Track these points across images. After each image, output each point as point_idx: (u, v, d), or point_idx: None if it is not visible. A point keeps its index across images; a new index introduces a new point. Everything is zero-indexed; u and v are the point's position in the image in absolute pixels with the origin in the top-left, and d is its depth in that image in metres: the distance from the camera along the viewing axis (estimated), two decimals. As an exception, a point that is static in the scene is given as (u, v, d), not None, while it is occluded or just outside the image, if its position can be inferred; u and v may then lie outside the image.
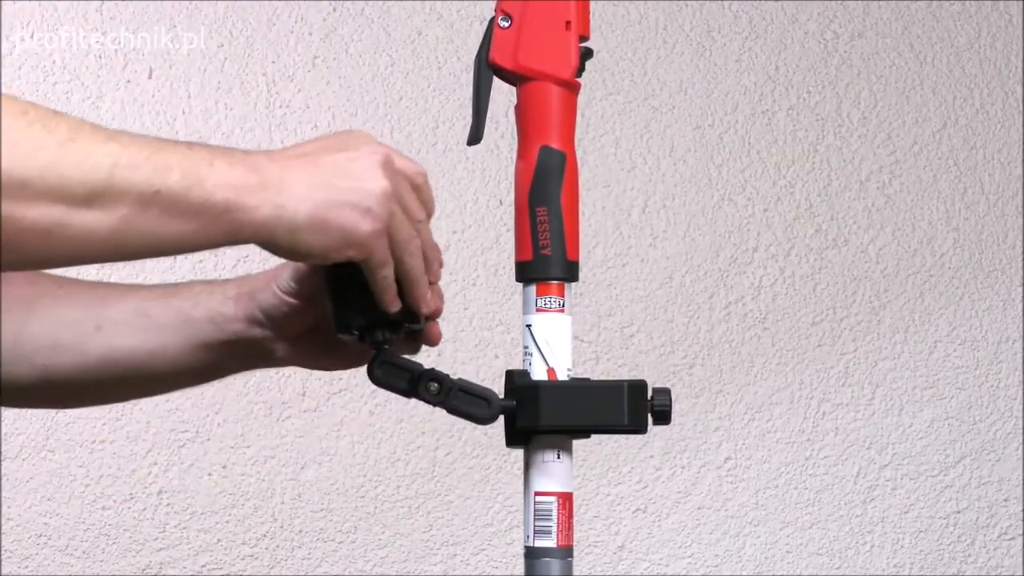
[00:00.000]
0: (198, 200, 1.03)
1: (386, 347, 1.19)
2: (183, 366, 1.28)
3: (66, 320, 1.27)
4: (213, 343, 1.27)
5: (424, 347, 1.24)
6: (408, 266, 1.15)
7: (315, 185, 1.08)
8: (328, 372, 1.32)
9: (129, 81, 2.33)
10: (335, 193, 1.08)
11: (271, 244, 1.08)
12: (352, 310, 1.17)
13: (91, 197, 0.99)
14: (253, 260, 2.29)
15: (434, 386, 1.20)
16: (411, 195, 1.14)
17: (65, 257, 1.02)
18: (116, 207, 1.00)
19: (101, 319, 1.28)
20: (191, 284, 1.31)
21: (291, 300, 1.25)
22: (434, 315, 1.22)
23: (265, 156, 1.08)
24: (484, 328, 2.41)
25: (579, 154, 1.23)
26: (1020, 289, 2.60)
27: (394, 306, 1.16)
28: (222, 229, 1.05)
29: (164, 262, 2.28)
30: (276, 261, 1.17)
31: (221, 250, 2.29)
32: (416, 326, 1.19)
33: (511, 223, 1.25)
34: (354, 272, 1.14)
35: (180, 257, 2.29)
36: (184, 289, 1.30)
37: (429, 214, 1.17)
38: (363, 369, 1.22)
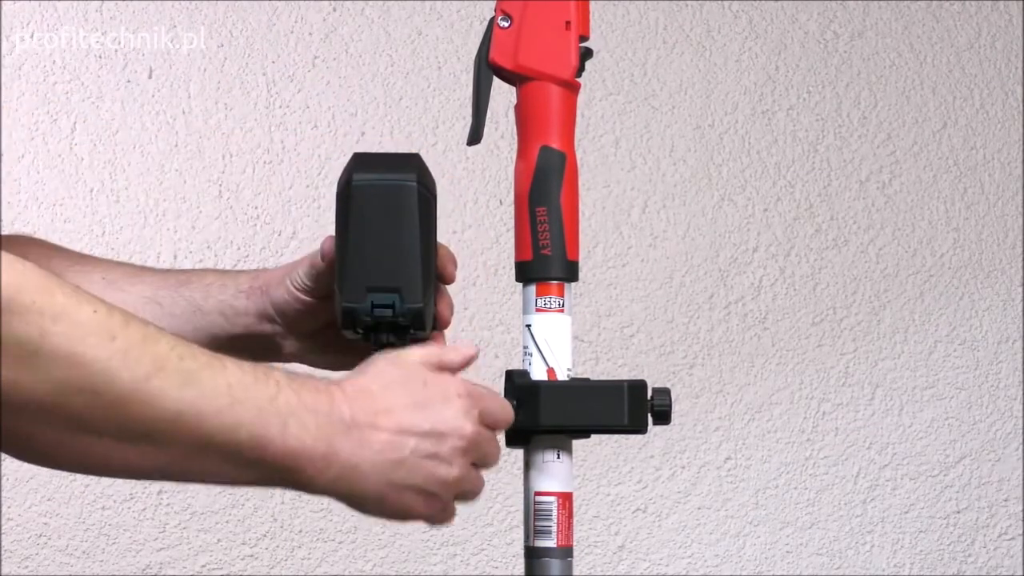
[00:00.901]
0: (257, 458, 1.03)
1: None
2: None
3: None
4: (222, 335, 1.27)
5: None
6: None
7: (385, 478, 1.07)
8: (330, 371, 1.31)
9: (129, 81, 2.33)
10: (404, 483, 1.08)
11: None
12: (360, 308, 1.17)
13: (145, 436, 0.98)
14: (252, 260, 2.28)
15: (434, 387, 1.19)
16: (484, 451, 1.13)
17: (101, 473, 1.04)
18: (170, 447, 1.00)
19: (112, 302, 1.27)
20: (204, 273, 1.30)
21: (305, 298, 1.25)
22: (442, 326, 1.21)
23: (348, 419, 1.06)
24: (484, 328, 2.41)
25: (579, 154, 1.23)
26: (1020, 289, 2.59)
27: None
28: (275, 479, 1.05)
29: (165, 259, 2.28)
30: (283, 260, 1.16)
31: (221, 251, 2.29)
32: (422, 333, 1.18)
33: (511, 223, 1.25)
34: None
35: (181, 255, 2.28)
36: (196, 278, 1.29)
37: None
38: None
